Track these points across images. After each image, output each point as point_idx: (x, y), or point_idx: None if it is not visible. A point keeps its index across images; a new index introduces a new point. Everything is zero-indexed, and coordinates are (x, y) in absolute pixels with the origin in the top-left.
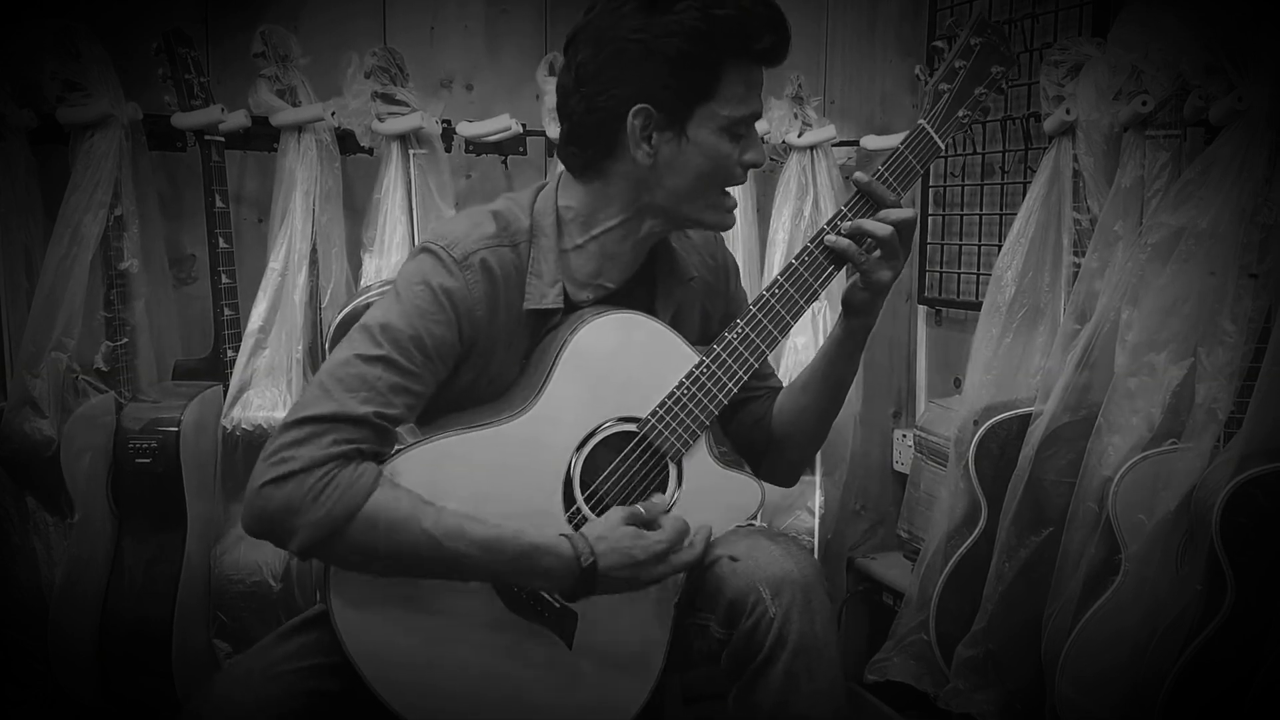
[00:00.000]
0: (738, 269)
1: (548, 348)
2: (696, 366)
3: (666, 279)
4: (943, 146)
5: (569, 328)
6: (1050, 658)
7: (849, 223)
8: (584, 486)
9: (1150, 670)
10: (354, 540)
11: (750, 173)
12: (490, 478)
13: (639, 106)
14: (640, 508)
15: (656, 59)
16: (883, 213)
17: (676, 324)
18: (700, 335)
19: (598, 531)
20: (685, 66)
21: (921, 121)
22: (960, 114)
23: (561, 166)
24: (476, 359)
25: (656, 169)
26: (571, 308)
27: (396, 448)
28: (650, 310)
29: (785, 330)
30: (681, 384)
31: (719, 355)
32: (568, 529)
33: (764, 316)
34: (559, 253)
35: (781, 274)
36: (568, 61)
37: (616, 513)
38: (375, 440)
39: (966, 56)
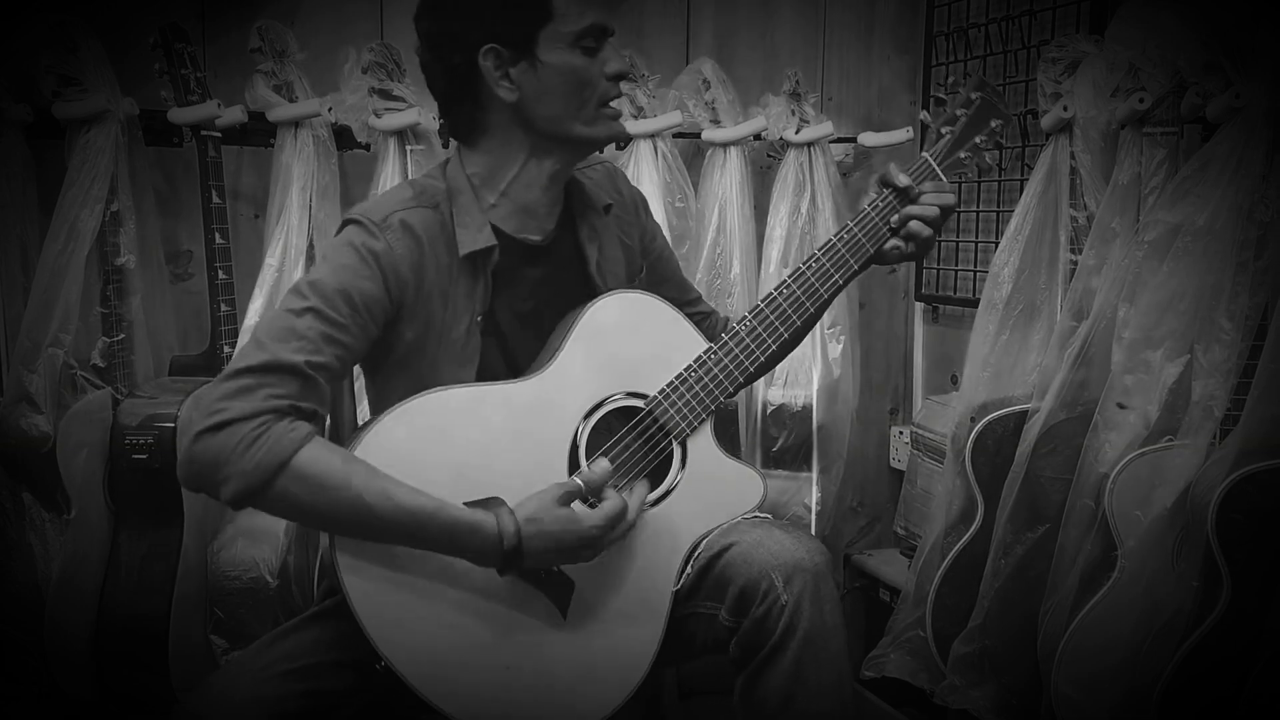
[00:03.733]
0: (645, 201)
1: (563, 321)
2: (705, 352)
3: (585, 213)
4: (944, 180)
5: (583, 303)
6: (1046, 654)
7: (900, 213)
8: (589, 455)
9: (1146, 666)
10: (283, 492)
11: (749, 169)
12: (498, 433)
13: (485, 48)
14: (578, 480)
15: (483, 1)
16: (929, 197)
17: (604, 259)
18: (627, 268)
19: (529, 512)
20: None
21: (925, 155)
22: (961, 155)
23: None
24: (412, 316)
25: (524, 102)
26: (518, 251)
27: (411, 398)
28: (577, 247)
29: (791, 328)
30: (690, 367)
31: (727, 344)
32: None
33: (772, 314)
34: (481, 209)
35: (791, 277)
36: (420, 40)
37: (552, 491)
38: (309, 394)
39: (967, 107)
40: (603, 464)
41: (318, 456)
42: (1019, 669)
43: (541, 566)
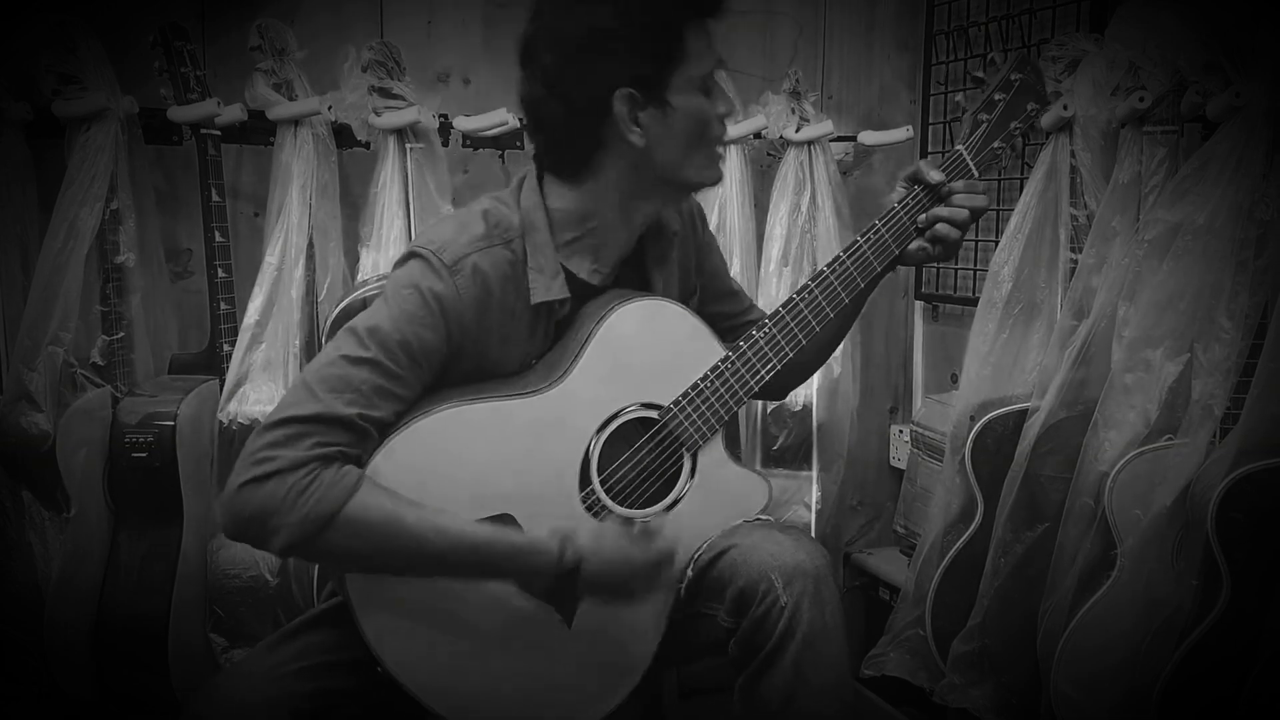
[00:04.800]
0: (703, 213)
1: (578, 329)
2: (722, 361)
3: (656, 240)
4: (976, 175)
5: (600, 312)
6: (1046, 653)
7: (929, 213)
8: (600, 468)
9: (1146, 665)
10: (337, 541)
11: (749, 167)
12: (511, 448)
13: (622, 91)
14: (635, 526)
15: (622, 41)
16: (959, 199)
17: (666, 287)
18: (681, 289)
19: (590, 539)
20: (650, 40)
21: (959, 148)
22: (995, 145)
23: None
24: (469, 356)
25: (649, 147)
26: (579, 293)
27: (425, 412)
28: (644, 274)
29: (810, 334)
30: (706, 376)
31: (744, 352)
32: (580, 508)
33: (791, 319)
34: (555, 246)
35: (812, 280)
36: (529, 71)
37: (611, 526)
38: (358, 443)
39: (1006, 90)
40: (658, 526)
41: (369, 503)
42: (1018, 668)
43: (591, 592)
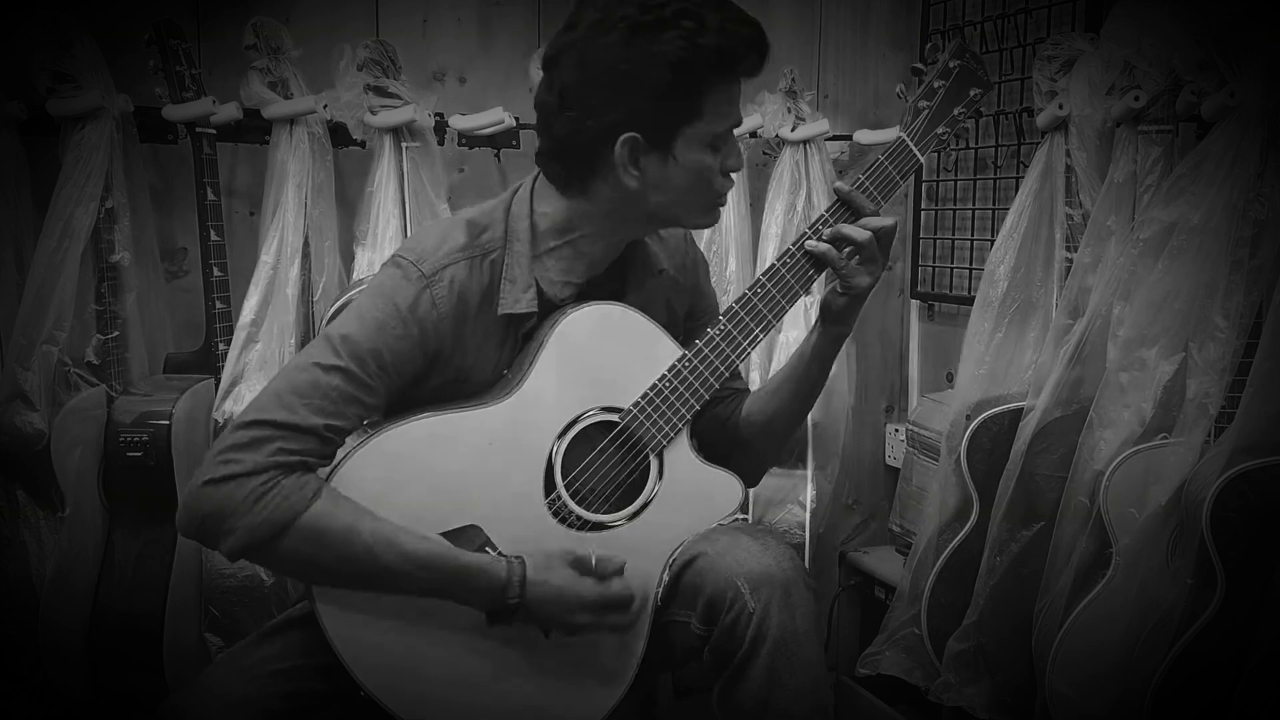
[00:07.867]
0: (707, 266)
1: (532, 337)
2: (679, 360)
3: (638, 271)
4: (922, 160)
5: (553, 318)
6: (1041, 651)
7: (829, 229)
8: (565, 473)
9: (1140, 664)
10: (291, 548)
11: (745, 167)
12: (473, 458)
13: (626, 135)
14: (593, 554)
15: (644, 89)
16: (864, 220)
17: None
18: (666, 330)
19: (538, 563)
20: (672, 95)
21: (902, 135)
22: (939, 130)
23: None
24: (444, 367)
25: (642, 190)
26: (546, 309)
27: (386, 427)
28: (621, 300)
29: (767, 329)
30: (664, 377)
31: (701, 350)
32: (547, 514)
33: (746, 315)
34: (532, 257)
35: (764, 274)
36: (549, 80)
37: (560, 551)
38: (321, 451)
39: (946, 77)
40: (619, 560)
41: (327, 511)
42: (1014, 666)
43: (533, 621)
